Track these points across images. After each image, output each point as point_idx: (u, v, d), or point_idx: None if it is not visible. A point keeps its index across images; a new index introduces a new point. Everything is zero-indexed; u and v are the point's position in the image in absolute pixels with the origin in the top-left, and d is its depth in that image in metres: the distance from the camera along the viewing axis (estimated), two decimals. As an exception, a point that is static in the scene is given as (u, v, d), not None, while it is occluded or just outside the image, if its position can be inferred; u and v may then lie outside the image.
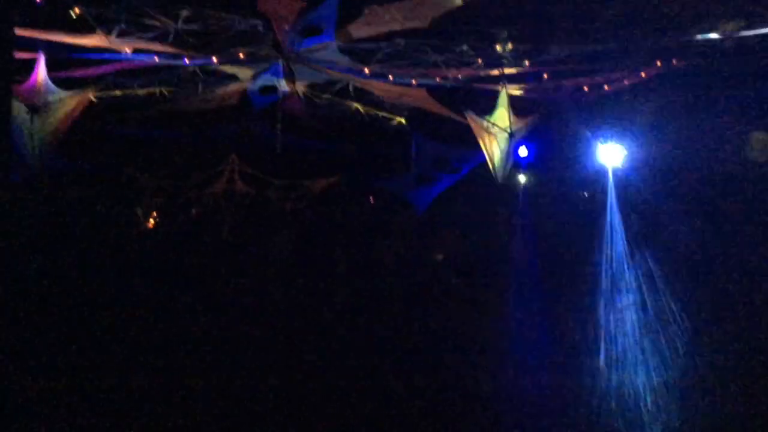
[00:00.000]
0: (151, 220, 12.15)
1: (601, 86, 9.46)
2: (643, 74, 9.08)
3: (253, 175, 12.44)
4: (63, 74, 8.03)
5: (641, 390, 8.02)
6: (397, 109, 10.84)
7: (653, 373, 8.22)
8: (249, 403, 6.93)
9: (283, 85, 9.36)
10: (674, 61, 8.71)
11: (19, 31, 6.86)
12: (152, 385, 6.92)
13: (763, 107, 8.76)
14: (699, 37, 7.65)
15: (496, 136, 9.22)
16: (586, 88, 9.55)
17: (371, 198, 13.17)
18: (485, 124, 9.17)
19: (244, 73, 9.27)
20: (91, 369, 7.08)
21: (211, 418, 6.49)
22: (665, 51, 8.29)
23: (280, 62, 8.83)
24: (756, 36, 7.35)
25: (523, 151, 11.56)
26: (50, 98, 7.70)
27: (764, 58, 8.00)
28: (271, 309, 9.52)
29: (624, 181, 10.43)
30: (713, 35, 7.52)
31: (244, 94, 10.00)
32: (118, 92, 9.33)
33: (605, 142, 10.20)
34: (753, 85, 8.65)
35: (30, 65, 7.34)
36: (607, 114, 9.93)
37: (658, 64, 8.81)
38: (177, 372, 7.29)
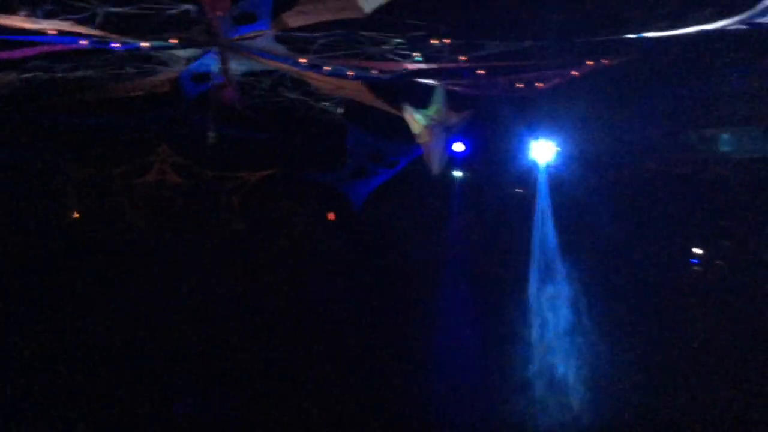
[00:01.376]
0: (76, 213, 11.70)
1: (534, 83, 9.66)
2: (574, 72, 9.32)
3: (185, 166, 12.13)
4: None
5: (568, 375, 8.29)
6: (333, 101, 10.76)
7: (580, 358, 8.50)
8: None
9: (217, 74, 9.15)
10: (605, 61, 8.97)
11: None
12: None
13: (692, 104, 9.12)
14: (629, 36, 7.90)
15: (432, 129, 9.30)
16: (520, 85, 9.73)
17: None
18: (421, 117, 9.23)
19: (176, 59, 9.03)
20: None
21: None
22: (597, 49, 8.52)
23: (214, 49, 8.65)
24: (682, 35, 7.63)
25: (458, 147, 11.72)
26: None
27: (693, 56, 8.32)
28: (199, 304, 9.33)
29: (555, 177, 10.71)
30: (643, 34, 7.76)
31: (176, 82, 9.74)
32: (42, 76, 8.90)
33: (538, 138, 10.44)
34: (682, 83, 8.99)
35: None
36: (540, 110, 10.15)
37: (588, 63, 9.07)
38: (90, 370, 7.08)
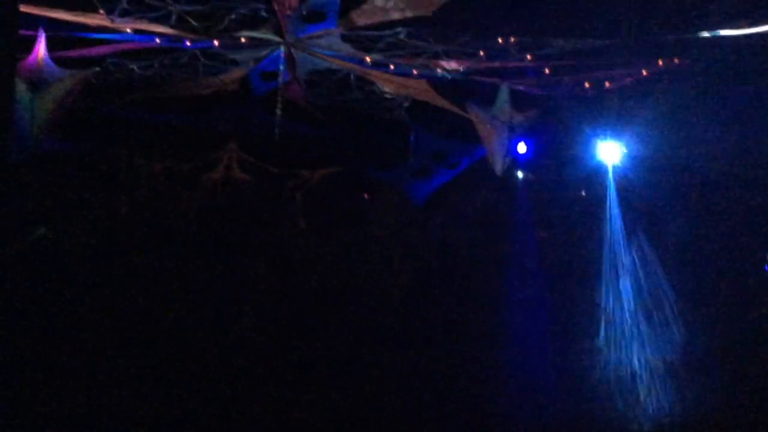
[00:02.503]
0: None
1: (602, 83, 9.47)
2: (644, 72, 9.08)
3: (251, 163, 12.38)
4: (63, 53, 7.98)
5: (638, 370, 8.16)
6: (397, 100, 10.79)
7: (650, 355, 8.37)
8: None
9: (284, 72, 9.32)
10: (676, 60, 8.72)
11: (21, 7, 6.85)
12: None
13: (764, 106, 8.79)
14: (702, 34, 7.65)
15: (497, 129, 9.22)
16: (587, 85, 9.55)
17: (366, 194, 13.14)
18: (486, 116, 9.17)
19: (245, 58, 9.24)
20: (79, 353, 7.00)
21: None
22: (668, 48, 8.28)
23: (282, 48, 8.82)
24: (758, 34, 7.34)
25: (521, 148, 11.56)
26: (50, 77, 7.62)
27: (766, 56, 8.01)
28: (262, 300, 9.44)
29: (623, 179, 10.47)
30: (717, 33, 7.51)
31: (245, 80, 9.97)
32: (117, 73, 9.27)
33: (605, 139, 10.21)
34: (754, 84, 8.67)
35: (31, 42, 7.28)
36: (608, 110, 9.93)
37: (660, 63, 8.83)
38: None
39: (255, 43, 8.61)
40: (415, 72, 9.24)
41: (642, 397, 7.83)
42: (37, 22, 7.14)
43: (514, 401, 7.35)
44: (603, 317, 9.40)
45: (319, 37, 8.37)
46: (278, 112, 9.63)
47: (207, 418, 6.28)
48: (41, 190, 8.89)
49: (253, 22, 7.95)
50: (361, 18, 7.77)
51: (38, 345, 6.84)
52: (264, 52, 9.00)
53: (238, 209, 11.99)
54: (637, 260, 9.98)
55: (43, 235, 7.69)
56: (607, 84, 9.43)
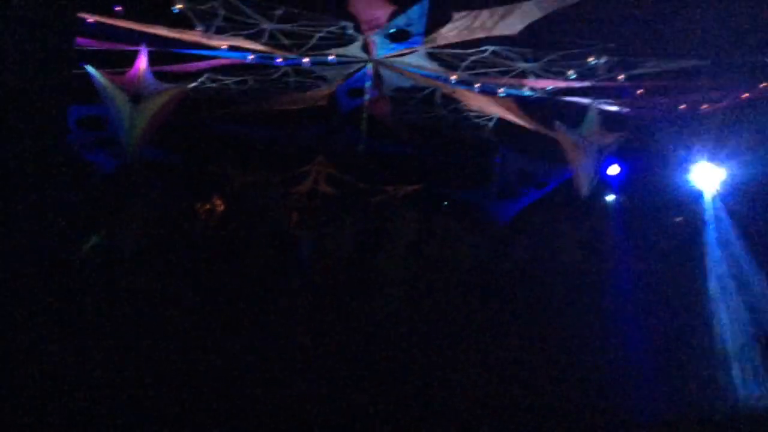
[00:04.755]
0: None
1: (700, 105, 9.06)
2: (744, 96, 8.63)
3: (338, 178, 12.61)
4: (162, 68, 8.43)
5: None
6: (483, 119, 10.72)
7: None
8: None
9: (370, 89, 9.46)
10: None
11: (125, 23, 7.32)
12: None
13: None
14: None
15: (584, 149, 8.98)
16: (683, 107, 9.17)
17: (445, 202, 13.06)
18: (573, 136, 8.95)
19: (333, 75, 9.45)
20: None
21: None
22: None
23: (369, 65, 8.97)
24: None
25: (614, 169, 11.22)
26: (150, 90, 8.08)
27: None
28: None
29: (722, 205, 9.98)
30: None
31: (333, 96, 10.19)
32: (213, 88, 9.68)
33: (701, 163, 9.76)
34: None
35: (132, 57, 7.75)
36: (705, 134, 9.48)
37: (763, 85, 8.36)
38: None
39: (343, 61, 8.80)
40: (501, 91, 9.16)
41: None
42: (139, 37, 7.57)
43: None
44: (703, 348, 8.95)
45: (405, 55, 8.46)
46: (363, 128, 9.76)
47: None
48: (138, 197, 9.33)
49: (341, 41, 8.13)
50: (446, 36, 7.79)
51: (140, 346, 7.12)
52: (351, 70, 9.18)
53: (324, 221, 12.16)
54: (738, 290, 9.48)
55: (97, 244, 8.07)
56: (704, 106, 9.02)
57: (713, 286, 9.78)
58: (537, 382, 8.20)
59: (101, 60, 7.85)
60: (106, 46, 7.83)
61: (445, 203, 12.58)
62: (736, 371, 8.35)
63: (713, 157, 9.58)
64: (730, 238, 10.00)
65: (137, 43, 7.69)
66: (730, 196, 9.93)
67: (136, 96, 7.97)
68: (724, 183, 9.92)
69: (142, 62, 7.79)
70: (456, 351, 8.47)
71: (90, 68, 7.70)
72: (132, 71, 7.76)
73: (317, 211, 12.02)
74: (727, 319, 9.27)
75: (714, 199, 10.12)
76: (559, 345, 9.07)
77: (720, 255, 9.94)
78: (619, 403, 7.19)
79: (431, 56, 8.42)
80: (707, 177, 9.87)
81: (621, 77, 8.38)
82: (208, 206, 10.49)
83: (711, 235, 10.11)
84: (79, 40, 7.42)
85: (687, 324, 9.31)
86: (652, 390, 7.50)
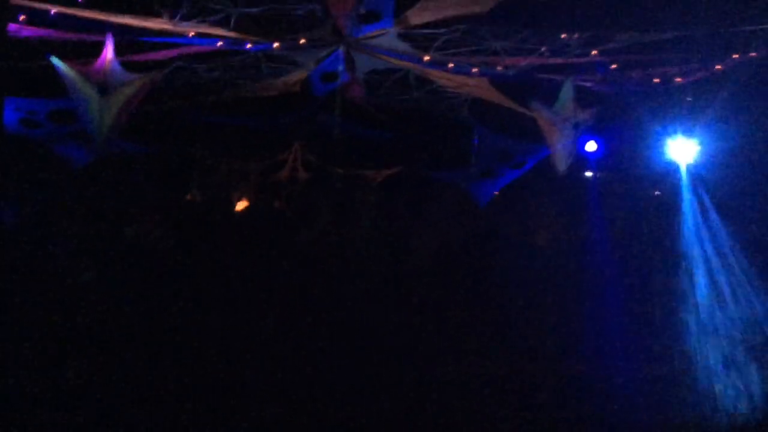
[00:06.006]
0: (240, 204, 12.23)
1: (672, 78, 9.07)
2: (718, 66, 8.64)
3: (315, 164, 12.52)
4: (129, 57, 8.27)
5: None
6: (458, 99, 10.66)
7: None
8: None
9: (344, 72, 9.36)
10: (753, 53, 8.25)
11: (88, 13, 7.16)
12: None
13: None
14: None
15: (560, 126, 8.96)
16: (656, 80, 9.17)
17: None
18: (549, 114, 8.92)
19: (306, 59, 9.34)
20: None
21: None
22: (741, 41, 7.85)
23: (341, 49, 8.87)
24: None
25: (591, 146, 11.24)
26: (117, 80, 7.90)
27: None
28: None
29: (697, 177, 10.05)
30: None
31: (306, 81, 10.07)
32: (183, 77, 9.53)
33: (676, 136, 9.80)
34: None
35: (99, 47, 7.58)
36: (679, 106, 9.51)
37: (735, 56, 8.37)
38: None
39: (314, 45, 8.69)
40: (474, 70, 9.09)
41: (724, 390, 7.52)
42: (104, 27, 7.40)
43: (595, 401, 7.12)
44: (680, 318, 9.06)
45: (377, 36, 8.36)
46: (337, 112, 9.66)
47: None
48: (108, 191, 9.21)
49: (311, 24, 8.02)
50: (417, 16, 7.71)
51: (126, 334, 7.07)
52: (323, 53, 9.07)
53: (304, 208, 12.05)
54: (713, 259, 9.58)
55: (90, 279, 7.97)
56: (677, 79, 9.03)
57: (691, 260, 9.87)
58: (517, 360, 8.28)
59: (63, 52, 7.67)
60: (69, 37, 7.68)
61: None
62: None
63: (687, 131, 9.63)
64: (707, 210, 10.09)
65: (102, 33, 7.52)
66: (704, 168, 10.01)
67: (104, 87, 7.79)
68: (699, 155, 9.99)
69: (109, 52, 7.61)
70: (435, 333, 8.49)
71: (55, 59, 7.52)
72: (98, 62, 7.58)
73: (297, 198, 11.93)
74: (705, 297, 9.37)
75: (689, 171, 10.19)
76: (539, 325, 9.15)
77: (697, 228, 10.03)
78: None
79: (403, 37, 8.33)
80: (682, 150, 9.92)
81: (594, 52, 8.35)
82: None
83: (688, 207, 10.19)
84: (12, 26, 7.22)
85: (666, 302, 9.42)
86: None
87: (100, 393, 6.13)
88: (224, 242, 9.17)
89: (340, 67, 9.29)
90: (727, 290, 9.23)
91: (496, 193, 12.43)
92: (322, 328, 7.92)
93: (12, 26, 7.20)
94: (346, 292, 8.83)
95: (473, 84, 9.60)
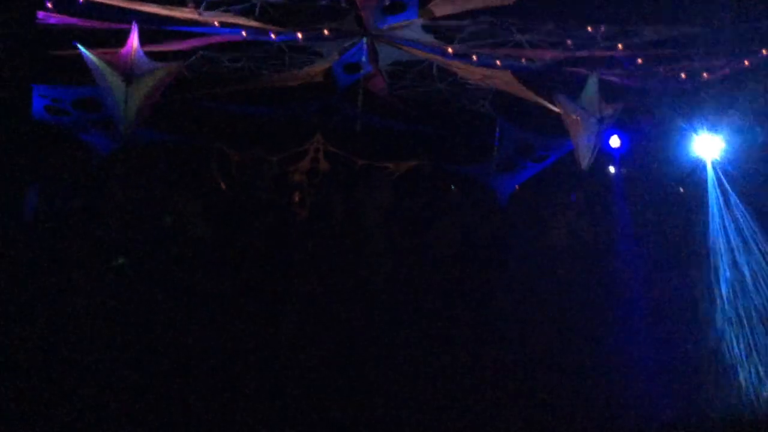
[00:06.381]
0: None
1: (699, 74, 8.94)
2: (746, 62, 8.50)
3: (336, 155, 12.51)
4: (155, 46, 8.33)
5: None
6: (481, 92, 10.60)
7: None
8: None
9: (366, 64, 9.36)
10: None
11: (115, 1, 7.23)
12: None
13: None
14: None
15: (584, 121, 8.87)
16: (683, 76, 9.04)
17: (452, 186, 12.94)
18: (573, 108, 8.84)
19: (329, 50, 9.34)
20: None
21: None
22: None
23: (364, 40, 8.86)
24: None
25: (615, 142, 11.13)
26: (142, 69, 7.95)
27: None
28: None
29: (724, 174, 9.91)
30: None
31: (329, 72, 10.08)
32: (208, 66, 9.59)
33: (702, 132, 9.66)
34: None
35: (124, 35, 7.64)
36: (705, 102, 9.36)
37: (764, 52, 8.23)
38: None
39: (337, 35, 8.69)
40: (498, 63, 9.03)
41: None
42: (130, 15, 7.46)
43: (621, 397, 7.08)
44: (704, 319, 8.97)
45: (401, 28, 8.34)
46: (359, 104, 9.66)
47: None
48: (133, 179, 9.28)
49: (335, 14, 8.01)
50: (441, 7, 7.68)
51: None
52: (347, 44, 9.07)
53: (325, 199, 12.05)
54: (739, 256, 9.45)
55: (122, 265, 8.05)
56: (704, 75, 8.89)
57: (717, 257, 9.75)
58: (540, 355, 8.21)
59: (91, 40, 7.75)
60: (96, 25, 7.75)
61: (452, 187, 12.44)
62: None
63: (713, 127, 9.48)
64: (732, 207, 9.95)
65: (128, 22, 7.58)
66: (730, 164, 9.86)
67: (129, 75, 7.86)
68: (724, 151, 9.84)
69: (134, 41, 7.67)
70: (452, 329, 8.46)
71: (82, 48, 7.60)
72: (123, 51, 7.64)
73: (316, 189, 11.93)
74: (729, 291, 9.26)
75: (715, 168, 10.05)
76: (560, 318, 9.08)
77: (723, 224, 9.90)
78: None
79: (427, 28, 8.30)
80: (708, 146, 9.78)
81: (620, 46, 8.26)
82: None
83: (714, 203, 10.06)
84: (40, 13, 7.31)
85: (692, 299, 9.30)
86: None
87: (144, 378, 6.17)
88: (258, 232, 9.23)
89: (363, 58, 9.29)
90: (751, 285, 9.11)
91: (517, 187, 12.35)
92: (340, 324, 7.96)
93: (40, 14, 7.30)
94: (365, 285, 8.86)
95: (496, 76, 9.53)
